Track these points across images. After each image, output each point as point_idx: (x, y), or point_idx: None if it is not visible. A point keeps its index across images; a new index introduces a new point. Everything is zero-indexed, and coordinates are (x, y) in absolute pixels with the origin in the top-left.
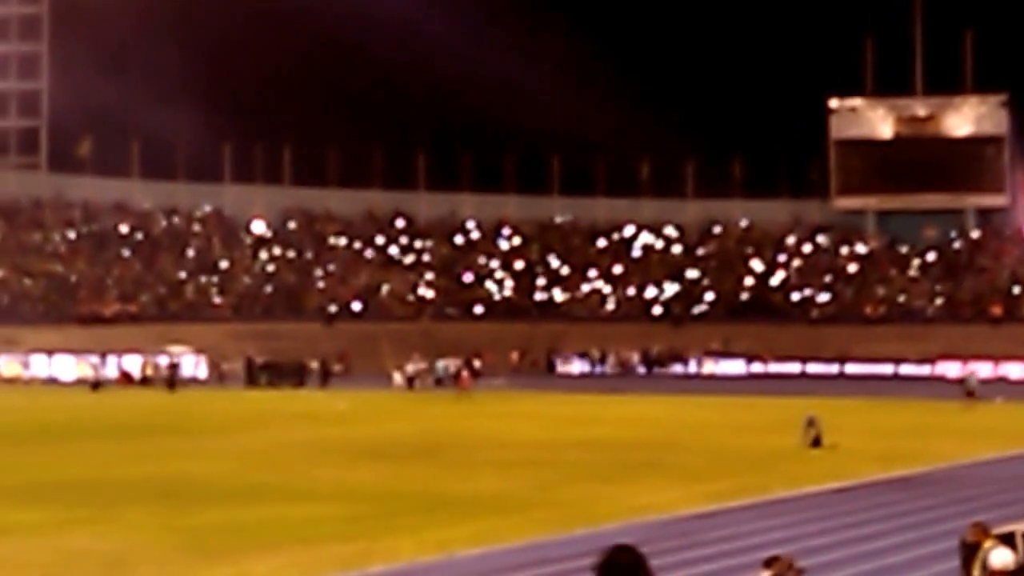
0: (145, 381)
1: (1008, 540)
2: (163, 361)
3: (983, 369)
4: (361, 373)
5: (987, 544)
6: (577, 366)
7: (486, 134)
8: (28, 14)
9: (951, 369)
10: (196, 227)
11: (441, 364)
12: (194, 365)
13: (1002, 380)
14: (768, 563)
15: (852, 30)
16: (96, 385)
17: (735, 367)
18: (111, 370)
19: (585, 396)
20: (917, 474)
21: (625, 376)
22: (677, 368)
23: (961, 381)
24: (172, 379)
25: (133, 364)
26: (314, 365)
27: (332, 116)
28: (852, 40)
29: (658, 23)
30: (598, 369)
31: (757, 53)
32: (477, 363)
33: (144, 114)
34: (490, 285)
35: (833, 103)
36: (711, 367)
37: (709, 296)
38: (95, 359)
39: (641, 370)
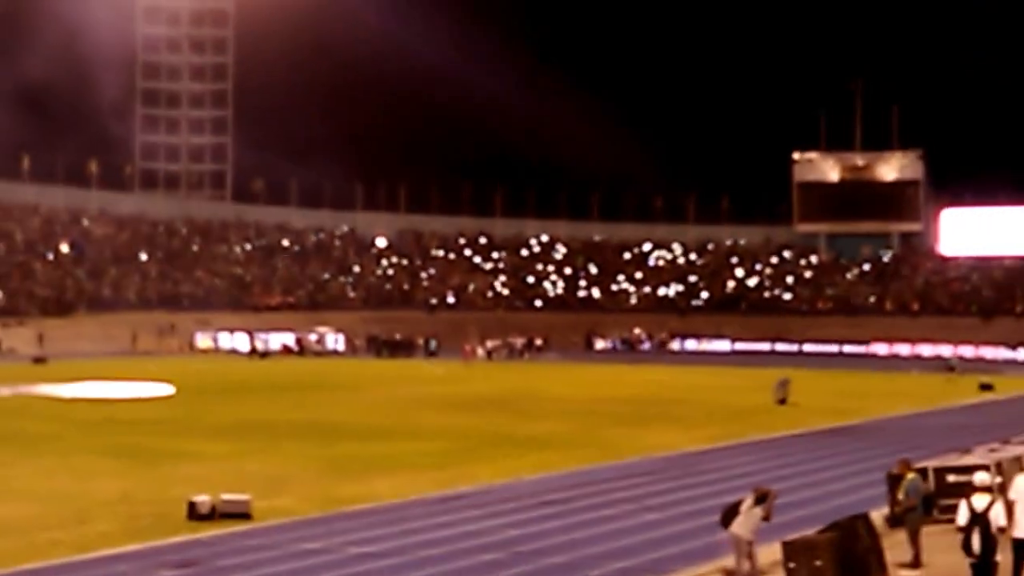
0: (299, 351)
1: (922, 472)
2: (313, 337)
3: (902, 349)
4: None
5: (909, 476)
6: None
7: (545, 175)
8: (217, 89)
9: (881, 348)
10: (336, 242)
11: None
12: (334, 341)
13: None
14: (760, 497)
15: (810, 103)
16: (264, 355)
17: (722, 345)
18: (275, 344)
19: (613, 366)
20: (856, 424)
21: (644, 352)
22: (683, 345)
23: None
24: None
25: (290, 339)
26: (420, 342)
27: (434, 163)
28: (810, 110)
29: (670, 93)
30: (623, 347)
31: (742, 118)
32: (539, 341)
33: (300, 161)
34: (547, 285)
35: (796, 155)
36: (705, 345)
37: (704, 294)
38: (263, 336)
39: (648, 346)
